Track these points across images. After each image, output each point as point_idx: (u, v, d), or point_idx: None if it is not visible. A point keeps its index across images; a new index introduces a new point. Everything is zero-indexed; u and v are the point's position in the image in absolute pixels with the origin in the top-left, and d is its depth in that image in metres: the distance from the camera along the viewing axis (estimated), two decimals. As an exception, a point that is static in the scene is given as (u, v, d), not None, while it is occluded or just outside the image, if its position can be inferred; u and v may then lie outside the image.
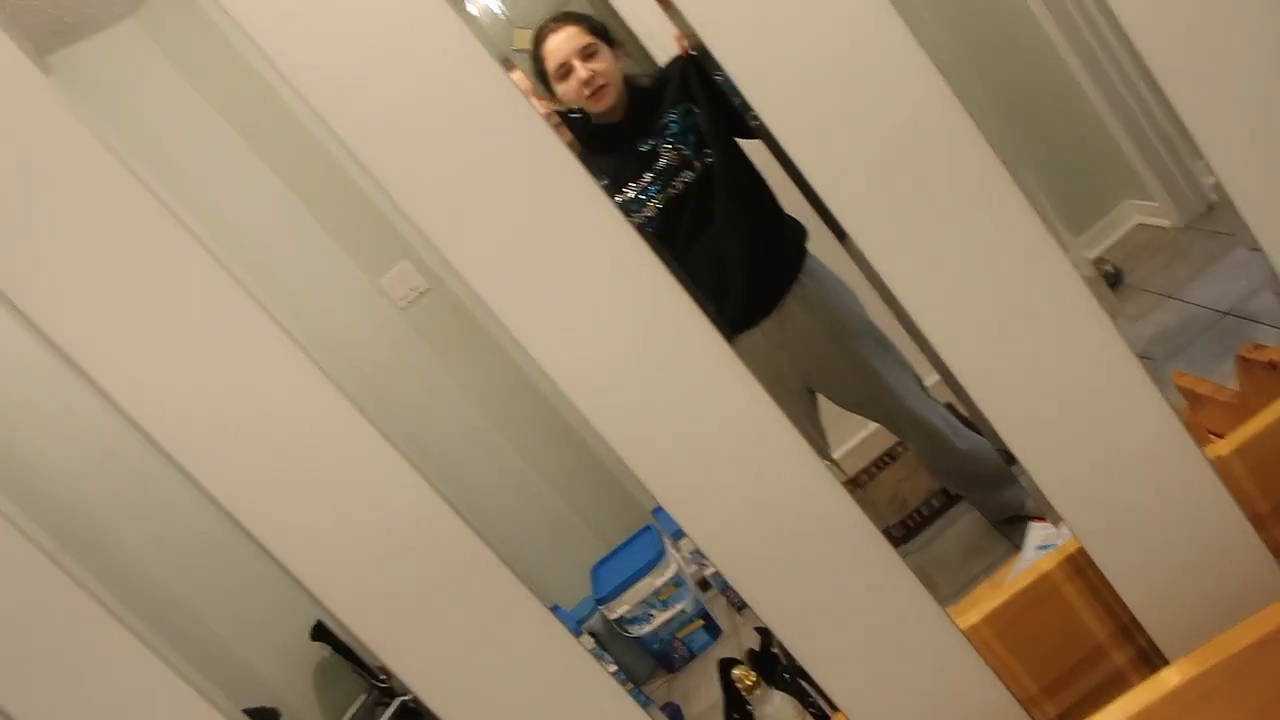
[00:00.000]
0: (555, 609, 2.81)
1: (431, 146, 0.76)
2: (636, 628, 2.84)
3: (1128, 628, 0.97)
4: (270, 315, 0.78)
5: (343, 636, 2.27)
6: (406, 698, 2.26)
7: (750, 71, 0.78)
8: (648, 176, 1.89)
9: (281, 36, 0.73)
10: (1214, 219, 2.87)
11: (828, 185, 0.80)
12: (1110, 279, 2.88)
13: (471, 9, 2.96)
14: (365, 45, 0.74)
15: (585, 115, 1.87)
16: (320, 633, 2.27)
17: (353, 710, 2.38)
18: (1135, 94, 2.82)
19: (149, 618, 2.01)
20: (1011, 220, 0.83)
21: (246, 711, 2.06)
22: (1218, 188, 0.86)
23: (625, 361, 0.83)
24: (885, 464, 2.69)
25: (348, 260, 2.82)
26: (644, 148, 1.89)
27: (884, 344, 2.03)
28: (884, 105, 0.79)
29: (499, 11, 2.99)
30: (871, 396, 2.05)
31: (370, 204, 2.60)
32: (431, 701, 0.88)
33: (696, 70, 1.86)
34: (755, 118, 0.79)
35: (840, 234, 0.82)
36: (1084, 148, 3.02)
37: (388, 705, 2.31)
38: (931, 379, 2.22)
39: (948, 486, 2.51)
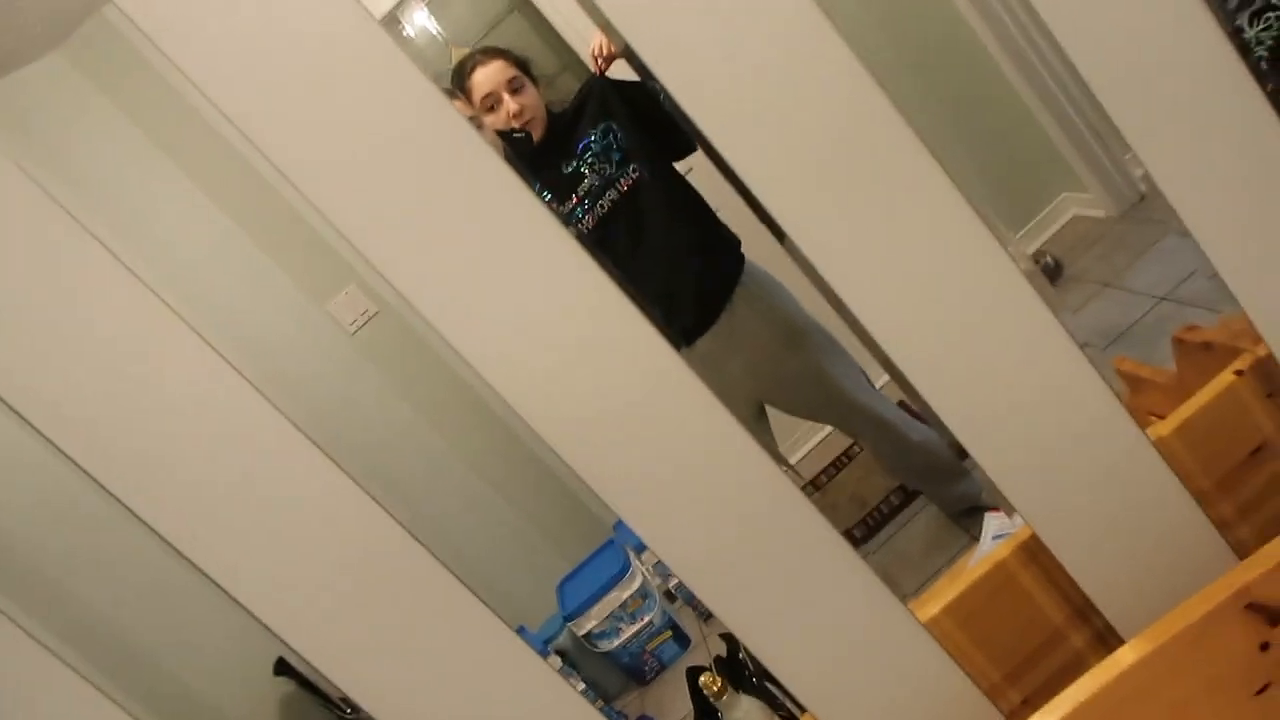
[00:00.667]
0: (521, 630, 2.79)
1: (367, 168, 0.76)
2: (605, 642, 2.83)
3: (1084, 610, 0.98)
4: (213, 347, 0.77)
5: (304, 671, 2.22)
6: (375, 729, 2.22)
7: (681, 77, 0.78)
8: (574, 199, 1.89)
9: (212, 68, 0.72)
10: (1147, 207, 2.96)
11: (765, 189, 0.81)
12: (1050, 271, 2.95)
13: (408, 30, 2.96)
14: (296, 71, 0.73)
15: (528, 134, 1.87)
16: (282, 667, 2.23)
17: (320, 744, 2.33)
18: (1065, 89, 2.90)
19: (106, 663, 1.96)
20: (948, 216, 0.84)
21: (211, 753, 2.02)
22: (1146, 178, 0.88)
23: (576, 376, 0.83)
24: (842, 464, 2.72)
25: (293, 287, 2.79)
26: (567, 169, 1.89)
27: (831, 341, 2.05)
28: (815, 107, 0.80)
29: (435, 32, 2.99)
30: (824, 396, 2.06)
31: (312, 229, 2.57)
32: (398, 731, 0.86)
33: (614, 88, 1.87)
34: (688, 122, 0.79)
35: (779, 235, 0.83)
36: (1019, 144, 3.09)
37: (356, 737, 2.27)
38: (881, 380, 2.24)
39: (905, 482, 2.54)
